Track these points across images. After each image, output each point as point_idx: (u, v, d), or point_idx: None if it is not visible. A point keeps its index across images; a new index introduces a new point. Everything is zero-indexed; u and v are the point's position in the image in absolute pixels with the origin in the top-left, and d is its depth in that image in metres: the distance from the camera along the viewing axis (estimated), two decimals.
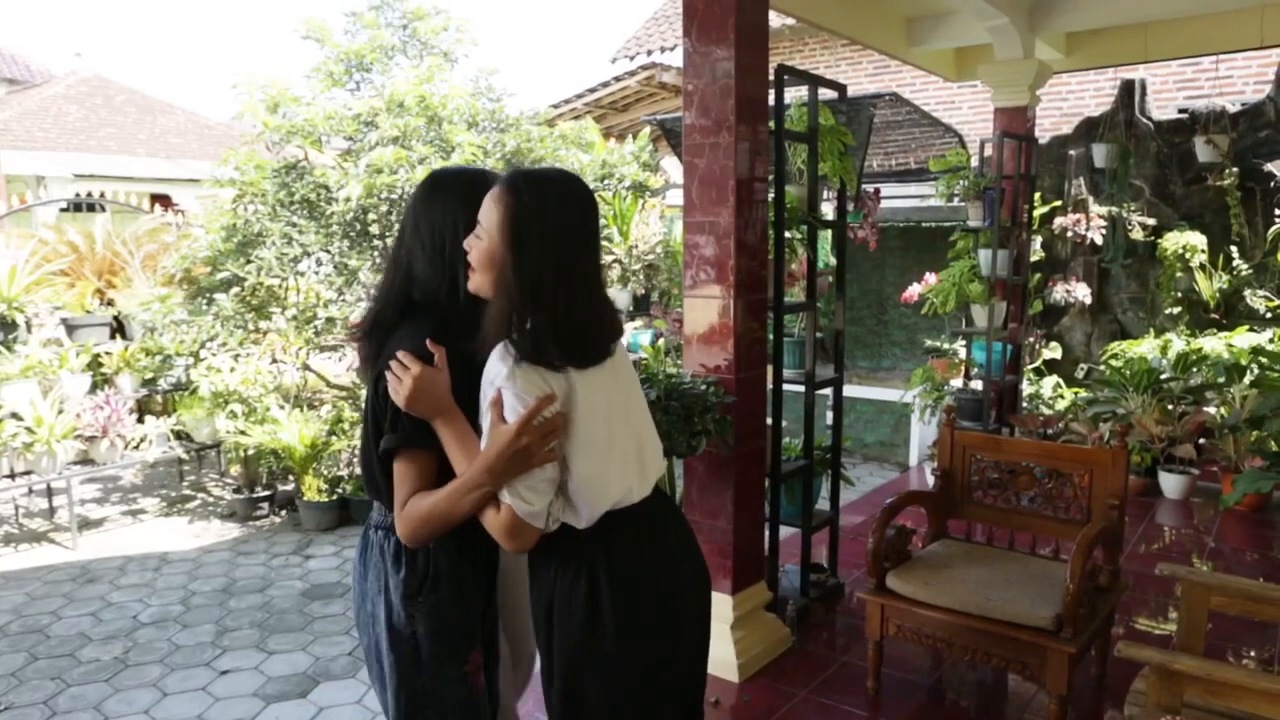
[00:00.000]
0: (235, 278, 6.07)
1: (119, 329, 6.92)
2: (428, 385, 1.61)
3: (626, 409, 1.74)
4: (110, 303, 7.12)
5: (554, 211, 1.60)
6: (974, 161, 6.08)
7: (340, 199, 5.91)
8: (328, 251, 6.20)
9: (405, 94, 6.13)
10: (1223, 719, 2.08)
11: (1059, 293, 7.25)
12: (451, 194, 1.76)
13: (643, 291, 8.45)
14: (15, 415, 5.57)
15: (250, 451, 6.05)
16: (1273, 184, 6.52)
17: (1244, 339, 6.18)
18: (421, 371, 1.61)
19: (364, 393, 1.82)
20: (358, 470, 5.98)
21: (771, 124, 3.36)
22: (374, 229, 6.29)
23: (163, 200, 11.26)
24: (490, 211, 1.61)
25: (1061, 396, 6.69)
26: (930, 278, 6.32)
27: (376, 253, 6.50)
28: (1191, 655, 2.16)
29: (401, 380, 1.62)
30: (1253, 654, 3.54)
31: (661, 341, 7.14)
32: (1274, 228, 6.45)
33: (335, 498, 5.94)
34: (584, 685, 1.67)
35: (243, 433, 6.00)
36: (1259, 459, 5.14)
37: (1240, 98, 7.67)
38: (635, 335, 7.68)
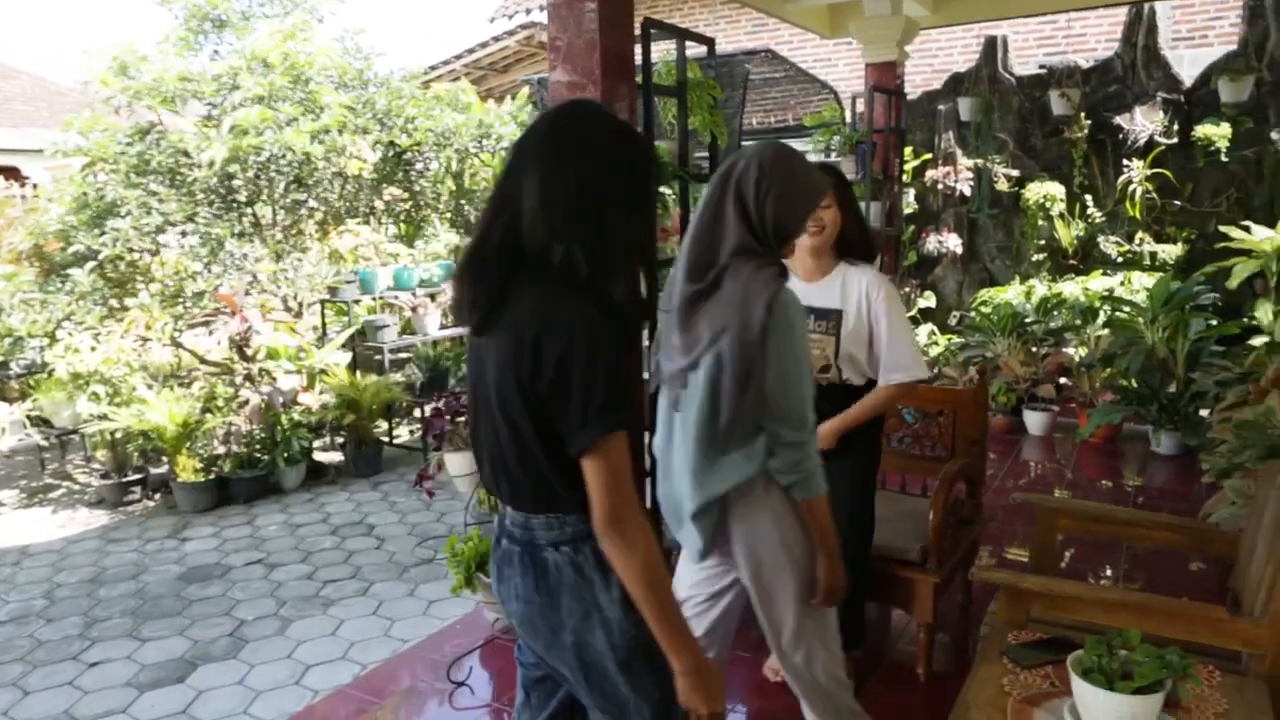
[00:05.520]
0: (90, 251, 5.71)
1: None
2: (709, 680, 1.53)
3: None
4: None
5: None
6: (848, 117, 6.22)
7: (203, 163, 5.61)
8: (193, 221, 5.89)
9: (268, 51, 5.84)
10: (1066, 630, 2.22)
11: (931, 243, 7.52)
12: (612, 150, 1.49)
13: None
14: None
15: (117, 434, 5.72)
16: (1121, 135, 6.89)
17: (1098, 283, 6.55)
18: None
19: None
20: (235, 448, 5.72)
21: (640, 79, 3.34)
22: (241, 195, 6.00)
23: (10, 172, 10.48)
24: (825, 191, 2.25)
25: (936, 343, 6.97)
26: None
27: (246, 220, 6.21)
28: (1038, 575, 2.30)
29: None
30: (1108, 573, 3.80)
31: None
32: (1123, 177, 6.83)
33: (212, 477, 5.68)
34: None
35: (105, 416, 5.68)
36: (1110, 394, 5.49)
37: (1093, 54, 8.06)
38: None
